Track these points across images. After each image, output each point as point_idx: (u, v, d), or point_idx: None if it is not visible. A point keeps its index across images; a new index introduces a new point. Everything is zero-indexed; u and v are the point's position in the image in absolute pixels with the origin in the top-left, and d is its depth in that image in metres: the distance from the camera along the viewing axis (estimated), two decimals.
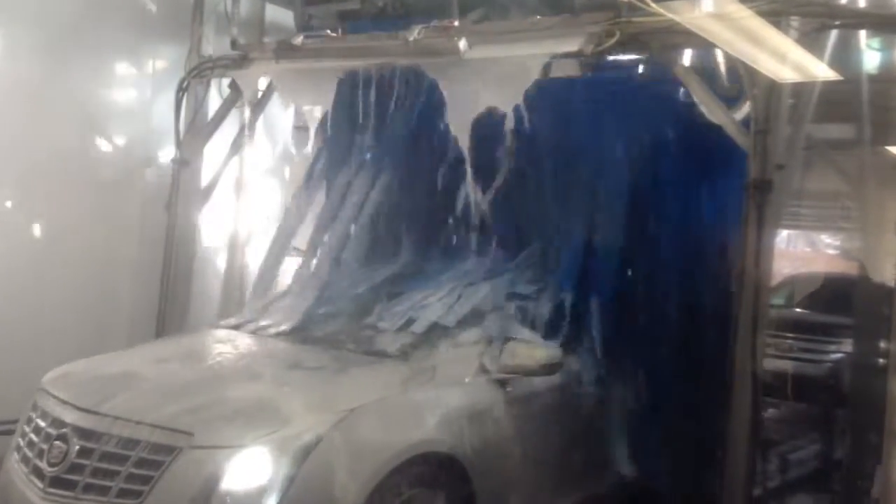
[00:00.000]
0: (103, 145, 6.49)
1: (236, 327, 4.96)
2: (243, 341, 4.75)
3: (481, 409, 4.11)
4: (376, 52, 5.45)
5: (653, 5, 4.16)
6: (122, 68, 6.63)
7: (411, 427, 3.80)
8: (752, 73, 4.38)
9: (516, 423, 4.25)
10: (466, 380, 4.19)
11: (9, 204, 5.94)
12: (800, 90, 4.54)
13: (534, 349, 4.32)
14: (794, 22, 4.20)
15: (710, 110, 4.60)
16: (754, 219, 4.38)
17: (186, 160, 6.47)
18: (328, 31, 6.05)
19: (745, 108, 4.63)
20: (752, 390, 4.38)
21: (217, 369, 4.29)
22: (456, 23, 5.27)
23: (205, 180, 6.68)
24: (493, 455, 4.05)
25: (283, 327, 4.80)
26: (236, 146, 6.82)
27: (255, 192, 7.34)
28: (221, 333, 4.95)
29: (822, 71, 4.39)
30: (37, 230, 6.08)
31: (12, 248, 5.92)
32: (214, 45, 6.55)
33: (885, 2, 5.04)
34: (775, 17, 4.07)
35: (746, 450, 4.40)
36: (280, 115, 7.29)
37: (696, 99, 4.65)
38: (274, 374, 4.13)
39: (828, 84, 4.54)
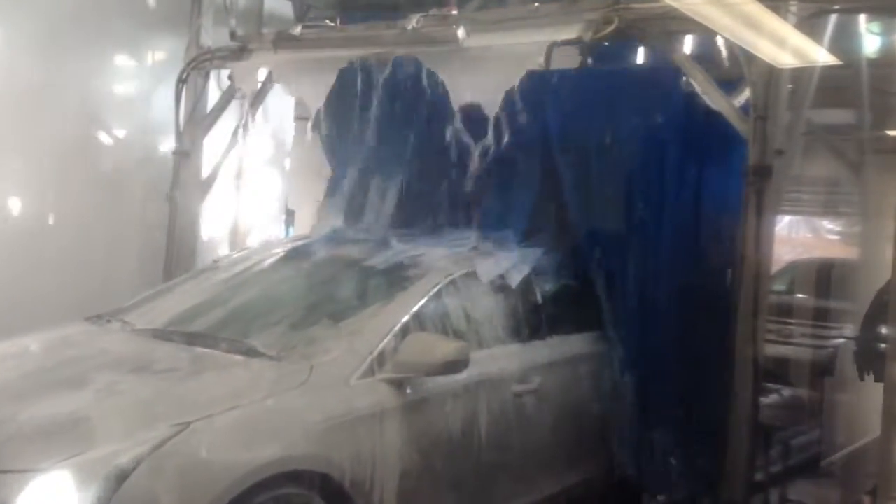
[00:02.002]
0: (103, 137, 6.49)
1: (104, 321, 4.35)
2: (96, 339, 4.11)
3: (368, 415, 3.51)
4: (375, 42, 5.45)
5: None
6: (122, 60, 6.63)
7: (270, 441, 3.22)
8: (752, 59, 4.37)
9: (415, 432, 3.67)
10: (352, 382, 3.59)
11: (9, 196, 5.95)
12: (799, 75, 4.53)
13: (436, 343, 3.75)
14: (793, 7, 4.19)
15: (710, 96, 4.60)
16: (754, 205, 4.38)
17: (187, 151, 6.49)
18: (327, 21, 6.05)
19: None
20: (753, 376, 4.40)
21: (38, 375, 3.62)
22: (454, 11, 5.27)
23: (205, 171, 6.70)
24: (382, 471, 3.51)
25: (154, 323, 4.20)
26: (236, 137, 6.83)
27: (256, 182, 7.36)
28: (77, 329, 4.29)
29: (821, 56, 4.38)
30: (37, 222, 6.09)
31: (12, 239, 5.93)
32: (213, 36, 6.54)
33: None
34: (774, 1, 4.06)
35: (747, 435, 4.41)
36: (280, 106, 7.31)
37: (695, 86, 4.65)
38: (108, 380, 3.47)
39: (827, 69, 4.53)
